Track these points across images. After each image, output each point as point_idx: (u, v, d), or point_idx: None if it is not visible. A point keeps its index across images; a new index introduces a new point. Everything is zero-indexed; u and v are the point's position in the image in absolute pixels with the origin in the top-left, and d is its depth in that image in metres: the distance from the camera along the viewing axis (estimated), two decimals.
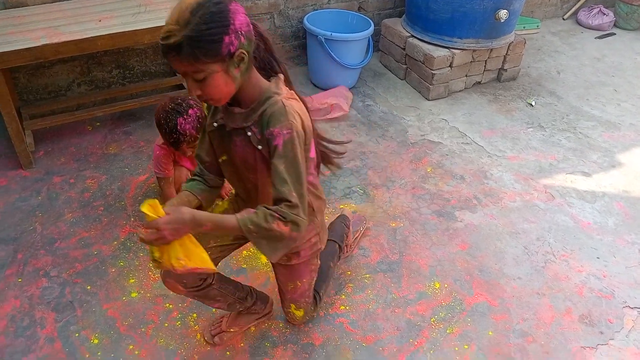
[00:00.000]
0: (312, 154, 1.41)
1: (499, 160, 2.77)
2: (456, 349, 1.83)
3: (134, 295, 1.98)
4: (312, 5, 3.39)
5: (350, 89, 3.34)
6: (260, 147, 1.31)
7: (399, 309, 1.96)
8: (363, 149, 2.83)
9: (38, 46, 2.23)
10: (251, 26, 1.22)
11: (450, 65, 3.20)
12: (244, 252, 2.16)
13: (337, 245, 2.00)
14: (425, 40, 3.25)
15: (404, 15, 3.50)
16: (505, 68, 3.44)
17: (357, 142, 2.88)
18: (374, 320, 1.92)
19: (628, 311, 2.00)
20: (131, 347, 1.80)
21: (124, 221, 2.30)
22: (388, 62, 3.61)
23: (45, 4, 2.62)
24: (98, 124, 2.90)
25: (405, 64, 3.43)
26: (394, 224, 2.34)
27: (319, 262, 1.73)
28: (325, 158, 1.63)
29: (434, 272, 2.11)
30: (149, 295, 1.98)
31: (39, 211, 2.32)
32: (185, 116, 1.99)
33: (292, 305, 1.75)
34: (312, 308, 1.83)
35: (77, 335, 1.83)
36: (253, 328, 1.88)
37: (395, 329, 1.89)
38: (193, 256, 1.28)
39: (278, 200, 1.27)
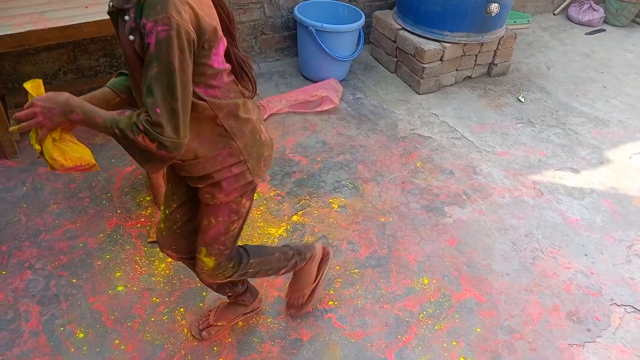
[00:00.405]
0: (217, 63, 1.19)
1: (488, 155, 2.77)
2: (444, 345, 1.84)
3: (120, 288, 1.96)
4: None
5: (340, 81, 3.31)
6: (132, 37, 1.07)
7: (387, 304, 1.96)
8: (353, 142, 2.82)
9: (22, 32, 2.18)
10: None
11: (440, 59, 3.19)
12: None
13: (292, 253, 1.73)
14: (417, 33, 3.23)
15: (395, 7, 3.47)
16: (495, 63, 3.44)
17: (347, 135, 2.87)
18: (363, 315, 1.92)
19: (615, 308, 2.02)
20: (117, 341, 1.78)
21: (110, 213, 2.27)
22: (379, 54, 3.59)
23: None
24: None
25: (396, 57, 3.41)
26: (383, 219, 2.33)
27: (249, 204, 1.46)
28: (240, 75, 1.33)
29: (423, 267, 2.11)
30: (135, 289, 1.96)
31: (23, 202, 2.28)
32: None
33: (202, 249, 1.46)
34: (230, 267, 1.52)
35: (62, 329, 1.80)
36: (240, 323, 1.87)
37: (383, 325, 1.89)
38: (70, 153, 1.21)
39: (144, 113, 1.08)
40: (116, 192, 2.38)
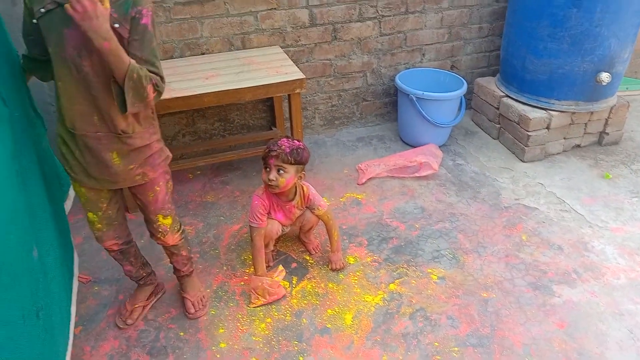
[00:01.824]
0: None
1: (600, 231, 2.61)
2: None
3: (222, 345, 2.04)
4: (404, 64, 3.45)
5: (440, 147, 3.32)
6: (117, 25, 1.41)
7: None
8: (453, 210, 2.78)
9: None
10: None
11: (547, 127, 3.10)
12: (329, 310, 2.16)
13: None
14: (521, 100, 3.18)
15: (498, 75, 3.46)
16: (607, 131, 3.28)
17: (447, 202, 2.84)
18: None
19: None
20: None
21: (217, 269, 2.39)
22: (480, 120, 3.56)
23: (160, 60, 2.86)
24: (198, 172, 3.08)
25: (499, 124, 3.37)
26: (485, 294, 2.25)
27: (170, 171, 1.86)
28: None
29: (529, 351, 1.99)
30: (236, 347, 2.03)
31: (142, 251, 2.46)
32: (290, 140, 2.11)
33: (159, 216, 1.87)
34: (178, 220, 1.98)
35: None
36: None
37: None
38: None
39: (149, 71, 1.48)
40: (223, 250, 2.51)
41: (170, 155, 1.85)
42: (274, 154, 2.07)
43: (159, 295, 2.26)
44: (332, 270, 2.38)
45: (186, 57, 2.93)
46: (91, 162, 1.66)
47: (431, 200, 2.86)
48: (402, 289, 2.28)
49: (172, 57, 2.91)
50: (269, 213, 2.28)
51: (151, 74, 1.50)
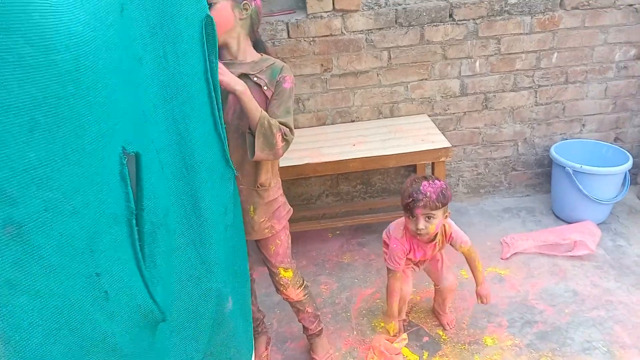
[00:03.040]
0: None
1: None
2: None
3: None
4: (561, 134, 3.25)
5: (598, 224, 3.01)
6: (265, 87, 1.68)
7: None
8: (610, 297, 2.49)
9: (301, 165, 2.61)
10: (260, 7, 1.72)
11: None
12: None
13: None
14: None
15: None
16: None
17: (604, 288, 2.55)
18: None
19: None
20: None
21: (347, 333, 2.41)
22: None
23: (312, 127, 3.08)
24: (338, 232, 3.19)
25: None
26: None
27: (288, 226, 1.98)
28: None
29: None
30: None
31: (277, 309, 2.59)
32: (430, 181, 2.01)
33: (280, 268, 1.96)
34: (299, 274, 2.06)
35: None
36: None
37: None
38: None
39: (282, 124, 1.65)
40: (354, 313, 2.53)
41: (292, 209, 1.98)
42: (421, 204, 1.96)
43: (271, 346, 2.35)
44: (482, 303, 2.25)
45: (337, 124, 3.10)
46: None
47: (585, 284, 2.59)
48: None
49: (324, 124, 3.10)
50: (408, 253, 2.20)
51: (281, 125, 1.65)
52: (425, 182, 1.99)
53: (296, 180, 3.22)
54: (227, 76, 1.54)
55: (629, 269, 2.67)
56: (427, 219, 1.99)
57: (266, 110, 1.66)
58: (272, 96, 1.69)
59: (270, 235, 1.88)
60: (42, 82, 0.77)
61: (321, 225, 3.02)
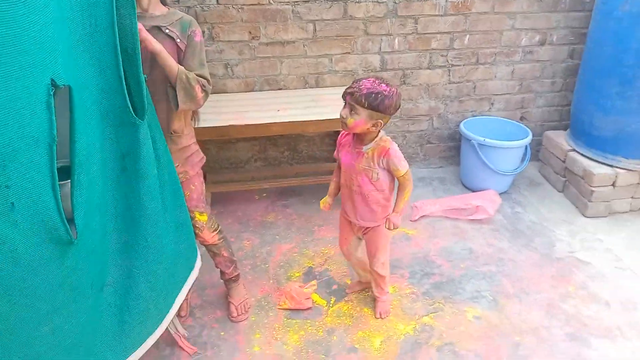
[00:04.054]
0: None
1: None
2: None
3: (256, 349, 2.21)
4: (472, 112, 3.55)
5: (501, 194, 3.33)
6: (178, 40, 1.80)
7: None
8: (501, 255, 2.80)
9: (225, 126, 2.75)
10: None
11: (612, 185, 3.04)
12: (360, 332, 2.28)
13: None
14: (587, 155, 3.15)
15: (569, 129, 3.45)
16: None
17: (497, 247, 2.86)
18: None
19: None
20: None
21: (264, 282, 2.60)
22: (547, 173, 3.54)
23: (240, 92, 3.22)
24: (264, 195, 3.36)
25: (565, 177, 3.34)
26: (518, 338, 2.25)
27: (202, 173, 2.13)
28: None
29: None
30: (268, 352, 2.20)
31: (203, 260, 2.73)
32: (378, 82, 1.89)
33: (195, 212, 2.10)
34: (214, 219, 2.22)
35: None
36: None
37: None
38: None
39: (200, 76, 1.80)
40: (273, 265, 2.72)
41: (204, 157, 2.13)
42: (350, 90, 1.89)
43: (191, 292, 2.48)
44: (388, 229, 2.09)
45: (264, 90, 3.25)
46: None
47: (481, 244, 2.90)
48: (435, 323, 2.34)
49: (252, 90, 3.25)
50: (340, 148, 2.17)
51: (199, 77, 1.80)
52: (372, 79, 1.90)
53: (225, 145, 3.36)
54: (146, 35, 1.66)
55: (521, 232, 3.00)
56: (350, 111, 1.90)
57: (180, 62, 1.80)
58: (185, 49, 1.82)
59: (184, 180, 2.02)
60: None
61: (249, 186, 3.18)
